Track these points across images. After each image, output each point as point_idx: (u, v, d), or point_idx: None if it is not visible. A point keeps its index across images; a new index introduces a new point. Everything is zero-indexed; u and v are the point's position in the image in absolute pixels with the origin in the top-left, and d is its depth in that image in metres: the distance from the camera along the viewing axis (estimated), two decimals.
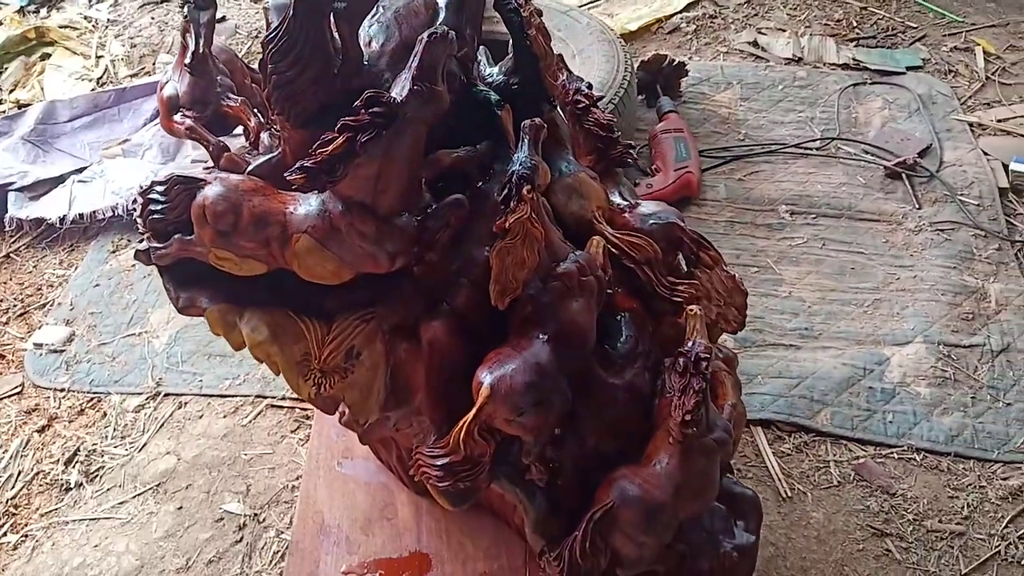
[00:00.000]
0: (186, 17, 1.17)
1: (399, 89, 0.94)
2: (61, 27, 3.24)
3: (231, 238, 0.99)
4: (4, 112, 2.87)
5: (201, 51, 1.18)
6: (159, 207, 1.02)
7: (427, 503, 1.56)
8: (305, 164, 0.93)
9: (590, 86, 1.29)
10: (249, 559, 1.73)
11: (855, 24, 3.01)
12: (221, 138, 1.20)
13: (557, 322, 1.03)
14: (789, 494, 1.75)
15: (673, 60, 2.68)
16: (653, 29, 3.07)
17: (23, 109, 2.79)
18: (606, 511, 1.03)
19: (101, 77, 3.03)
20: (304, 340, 1.07)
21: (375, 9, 1.11)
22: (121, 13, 3.35)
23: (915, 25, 2.99)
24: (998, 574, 1.63)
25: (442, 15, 1.11)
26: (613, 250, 1.17)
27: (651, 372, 1.15)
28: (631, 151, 1.30)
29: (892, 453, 1.82)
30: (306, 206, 0.99)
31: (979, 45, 2.92)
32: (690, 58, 2.92)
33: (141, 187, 1.07)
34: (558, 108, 1.27)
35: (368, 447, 1.60)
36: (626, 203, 1.28)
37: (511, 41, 1.20)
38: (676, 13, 3.10)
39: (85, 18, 3.33)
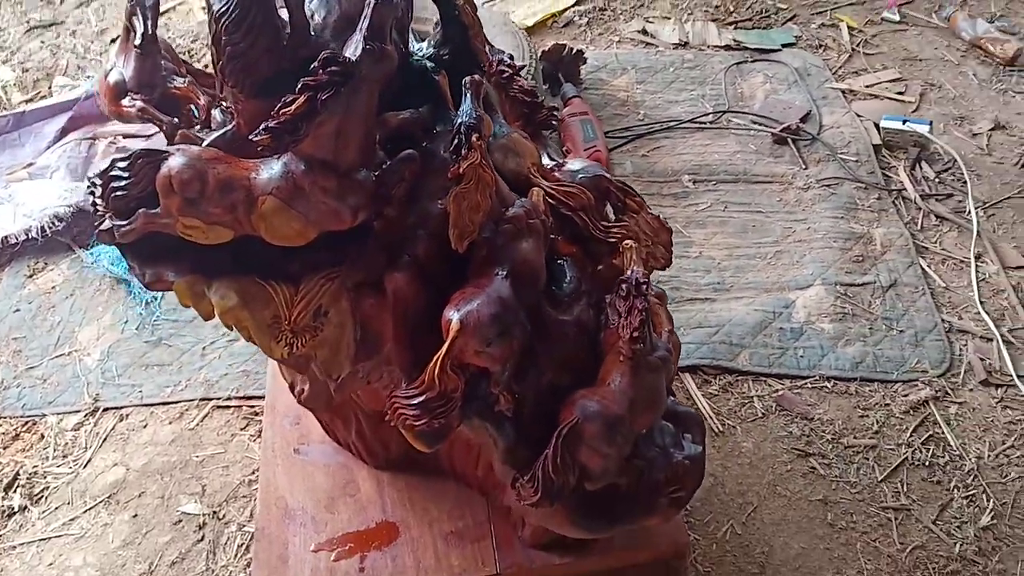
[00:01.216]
0: (132, 2, 1.21)
1: (352, 49, 1.01)
2: None
3: (198, 205, 1.03)
4: None
5: (150, 31, 1.22)
6: (122, 183, 1.05)
7: (388, 476, 1.61)
8: (269, 125, 0.99)
9: (511, 56, 1.39)
10: (213, 555, 1.74)
11: (732, 9, 3.25)
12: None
13: (512, 260, 1.12)
14: (721, 429, 1.90)
15: (572, 49, 2.83)
16: (548, 24, 3.23)
17: None
18: (572, 427, 1.12)
19: None
20: (273, 304, 1.12)
21: None
22: (6, 39, 3.25)
23: (785, 6, 3.26)
24: (908, 476, 1.82)
25: None
26: (551, 200, 1.27)
27: (595, 308, 1.25)
28: (555, 114, 1.41)
29: (806, 384, 2.00)
30: (268, 170, 1.04)
31: (843, 21, 3.20)
32: (586, 48, 3.08)
33: (94, 173, 1.10)
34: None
35: (324, 431, 1.64)
36: (554, 162, 1.39)
37: (439, 16, 1.29)
38: (568, 8, 3.27)
39: None
